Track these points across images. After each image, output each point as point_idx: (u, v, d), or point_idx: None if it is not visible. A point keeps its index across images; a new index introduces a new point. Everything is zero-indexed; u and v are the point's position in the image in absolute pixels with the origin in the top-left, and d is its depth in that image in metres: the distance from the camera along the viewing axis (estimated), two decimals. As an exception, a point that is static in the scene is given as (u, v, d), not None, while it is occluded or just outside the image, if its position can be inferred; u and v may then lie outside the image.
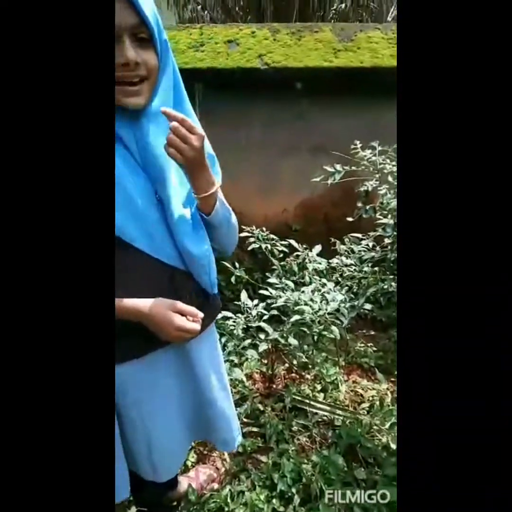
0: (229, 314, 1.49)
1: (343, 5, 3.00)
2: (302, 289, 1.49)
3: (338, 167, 1.28)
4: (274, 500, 1.25)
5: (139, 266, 0.73)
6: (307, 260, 1.65)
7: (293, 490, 1.25)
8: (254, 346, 1.62)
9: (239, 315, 1.53)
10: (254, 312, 1.51)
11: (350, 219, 1.44)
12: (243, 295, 1.63)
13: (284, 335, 1.48)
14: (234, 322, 1.49)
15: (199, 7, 3.58)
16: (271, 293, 1.52)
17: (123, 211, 0.68)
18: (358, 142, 1.26)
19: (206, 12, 3.44)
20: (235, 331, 1.47)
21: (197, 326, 0.75)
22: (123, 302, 0.72)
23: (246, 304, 1.56)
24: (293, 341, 1.47)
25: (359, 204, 1.36)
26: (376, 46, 2.02)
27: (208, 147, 0.82)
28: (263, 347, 1.48)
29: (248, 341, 1.60)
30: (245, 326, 1.51)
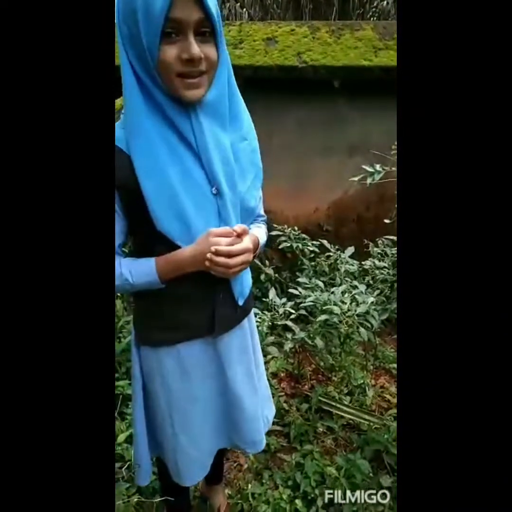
0: (255, 310, 1.48)
1: (384, 3, 2.93)
2: (332, 289, 1.48)
3: (378, 167, 1.25)
4: (296, 501, 1.24)
5: None
6: (339, 261, 1.63)
7: (317, 491, 1.24)
8: (280, 345, 1.62)
9: (266, 312, 1.53)
10: (281, 310, 1.50)
11: (387, 221, 1.41)
12: (271, 292, 1.62)
13: (311, 335, 1.47)
14: (260, 318, 1.48)
15: (238, 4, 3.58)
16: (300, 292, 1.51)
17: (170, 210, 0.68)
18: (399, 143, 1.23)
19: (244, 9, 3.44)
20: (259, 328, 1.46)
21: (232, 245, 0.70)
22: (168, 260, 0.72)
23: (274, 302, 1.56)
24: (319, 342, 1.46)
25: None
26: (418, 45, 1.97)
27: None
28: (288, 345, 1.47)
29: (271, 338, 1.59)
30: (270, 324, 1.50)
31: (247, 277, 0.86)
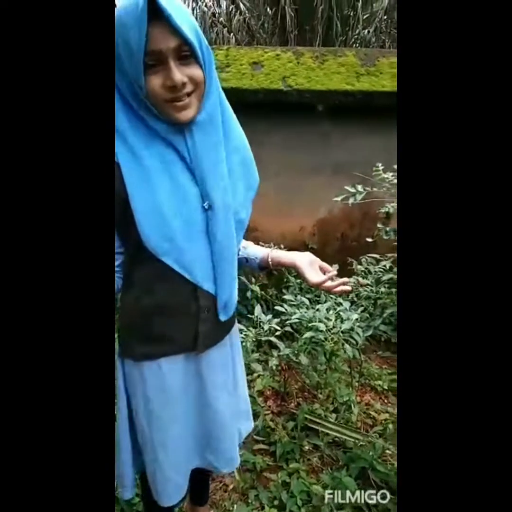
0: (240, 326, 1.48)
1: (365, 31, 3.07)
2: (317, 306, 1.49)
3: (359, 188, 1.30)
4: (283, 520, 1.23)
5: (165, 278, 0.75)
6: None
7: (303, 511, 1.23)
8: (265, 362, 1.62)
9: (251, 328, 1.53)
10: (266, 327, 1.51)
11: (369, 239, 1.45)
12: (257, 309, 1.63)
13: (296, 352, 1.48)
14: (245, 335, 1.48)
15: (225, 29, 3.69)
16: (286, 309, 1.52)
17: (157, 227, 0.69)
18: (380, 164, 1.28)
19: (231, 34, 3.55)
20: (244, 344, 1.46)
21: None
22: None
23: (260, 319, 1.56)
24: (304, 359, 1.46)
25: (380, 225, 1.36)
26: (398, 71, 2.05)
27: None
28: (274, 362, 1.48)
29: (256, 355, 1.59)
30: (255, 339, 1.49)
31: (234, 294, 0.87)
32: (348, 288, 0.85)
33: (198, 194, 0.72)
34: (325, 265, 0.88)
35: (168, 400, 0.84)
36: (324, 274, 0.85)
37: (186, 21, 0.62)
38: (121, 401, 0.86)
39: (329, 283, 0.83)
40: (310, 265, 0.86)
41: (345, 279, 0.84)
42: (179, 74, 0.63)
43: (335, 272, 0.84)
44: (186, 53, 0.63)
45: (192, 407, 0.87)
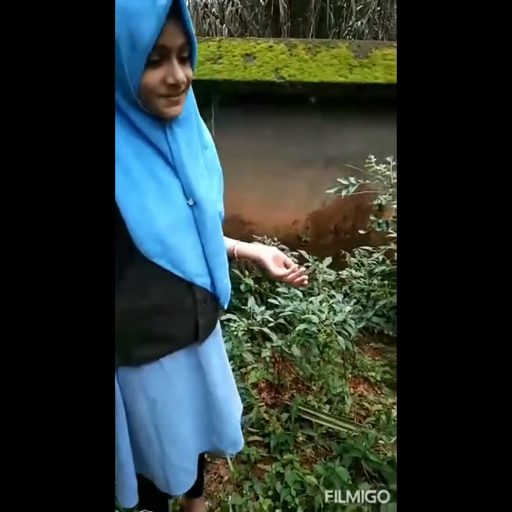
0: (233, 317, 1.49)
1: (359, 23, 3.05)
2: (310, 299, 1.50)
3: (352, 180, 1.30)
4: (277, 511, 1.24)
5: (157, 279, 0.74)
6: (317, 272, 1.66)
7: (297, 501, 1.25)
8: (258, 354, 1.63)
9: (244, 319, 1.54)
10: (258, 318, 1.51)
11: (362, 231, 1.45)
12: (251, 300, 1.64)
13: (288, 343, 1.49)
14: (238, 325, 1.49)
15: (217, 20, 3.65)
16: (279, 302, 1.53)
17: (147, 229, 0.68)
18: (372, 156, 1.28)
19: (224, 25, 3.51)
20: (236, 334, 1.47)
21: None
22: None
23: (253, 310, 1.57)
24: (296, 351, 1.47)
25: (372, 218, 1.37)
26: (391, 63, 2.05)
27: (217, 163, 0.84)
28: (266, 353, 1.49)
29: (248, 345, 1.59)
30: (246, 329, 1.50)
31: (229, 281, 0.87)
32: (305, 277, 0.93)
33: (181, 191, 0.71)
34: (289, 260, 0.94)
35: (174, 397, 0.84)
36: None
37: (190, 20, 0.61)
38: (117, 407, 0.84)
39: (290, 276, 0.90)
40: (274, 259, 0.92)
41: (303, 269, 0.93)
42: (182, 73, 0.62)
43: (296, 266, 0.92)
44: (185, 51, 0.63)
45: (196, 398, 0.89)
